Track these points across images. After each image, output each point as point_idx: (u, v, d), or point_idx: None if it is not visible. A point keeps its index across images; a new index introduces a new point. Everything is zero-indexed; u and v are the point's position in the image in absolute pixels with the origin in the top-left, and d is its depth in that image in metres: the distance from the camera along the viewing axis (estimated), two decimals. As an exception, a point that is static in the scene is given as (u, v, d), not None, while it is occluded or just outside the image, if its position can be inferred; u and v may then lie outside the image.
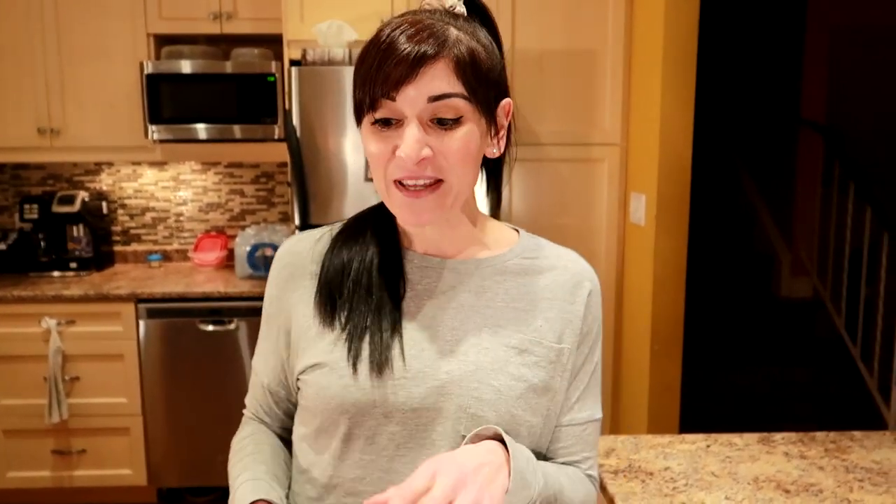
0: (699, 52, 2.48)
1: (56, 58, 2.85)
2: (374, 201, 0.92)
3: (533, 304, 0.89)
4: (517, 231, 0.97)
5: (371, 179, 0.84)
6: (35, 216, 3.00)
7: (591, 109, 2.77)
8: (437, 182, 0.80)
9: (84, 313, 2.71)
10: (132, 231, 3.29)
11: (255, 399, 0.98)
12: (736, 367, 3.72)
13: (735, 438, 1.46)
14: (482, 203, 0.98)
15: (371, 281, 0.86)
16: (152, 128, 2.80)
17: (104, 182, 3.26)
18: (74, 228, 3.01)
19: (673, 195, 2.55)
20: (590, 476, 0.93)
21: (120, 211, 3.28)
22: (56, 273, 3.00)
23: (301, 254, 0.92)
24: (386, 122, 0.79)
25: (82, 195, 3.03)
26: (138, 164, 3.24)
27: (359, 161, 2.53)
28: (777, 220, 4.28)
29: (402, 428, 0.83)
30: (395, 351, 0.83)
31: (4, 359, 2.72)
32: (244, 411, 1.02)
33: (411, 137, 0.77)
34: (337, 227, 0.94)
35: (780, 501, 1.19)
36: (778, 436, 1.48)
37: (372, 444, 0.84)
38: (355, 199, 2.55)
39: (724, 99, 4.38)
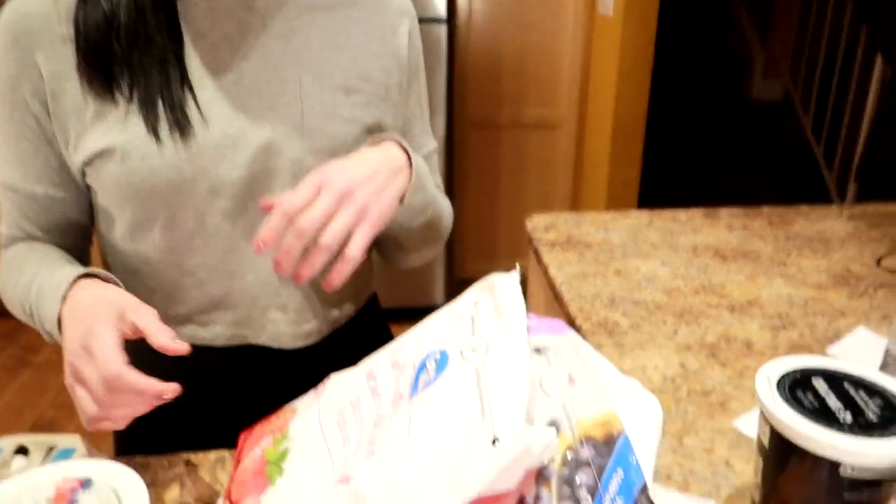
0: None
1: None
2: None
3: (352, 38, 0.77)
4: None
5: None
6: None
7: None
8: None
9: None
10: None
11: (15, 218, 0.76)
12: (698, 172, 3.71)
13: (680, 214, 1.43)
14: None
15: (148, 30, 0.68)
16: None
17: None
18: None
19: (642, -23, 2.36)
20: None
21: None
22: None
23: (38, 15, 0.69)
24: None
25: None
26: None
27: None
28: (754, 18, 4.08)
29: (234, 201, 0.72)
30: (196, 114, 0.69)
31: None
32: None
33: None
34: None
35: (714, 266, 1.17)
36: (723, 210, 1.45)
37: (202, 225, 0.73)
38: None
39: None
